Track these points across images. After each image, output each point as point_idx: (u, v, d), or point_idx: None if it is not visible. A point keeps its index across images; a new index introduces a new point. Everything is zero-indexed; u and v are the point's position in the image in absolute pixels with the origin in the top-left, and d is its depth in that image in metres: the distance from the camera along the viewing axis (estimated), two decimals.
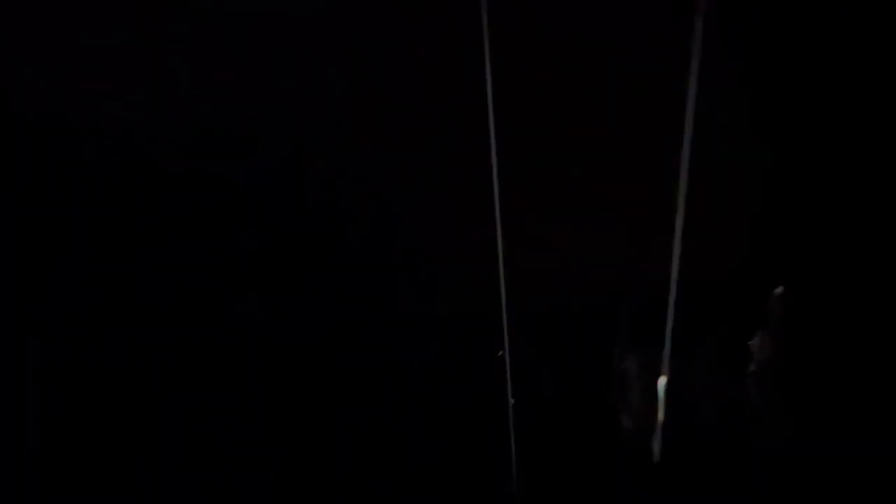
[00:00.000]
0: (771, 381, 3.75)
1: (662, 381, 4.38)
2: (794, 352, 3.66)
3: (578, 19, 4.31)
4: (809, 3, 3.92)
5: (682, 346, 4.50)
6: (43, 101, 4.30)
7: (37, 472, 4.13)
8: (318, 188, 4.98)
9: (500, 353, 5.49)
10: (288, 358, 4.91)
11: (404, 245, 5.19)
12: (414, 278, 5.28)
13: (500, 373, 5.28)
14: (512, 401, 5.01)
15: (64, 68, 4.15)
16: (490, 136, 4.11)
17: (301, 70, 4.39)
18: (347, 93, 4.58)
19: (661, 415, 4.31)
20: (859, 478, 3.43)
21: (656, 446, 4.29)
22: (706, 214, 4.93)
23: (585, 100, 4.79)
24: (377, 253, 5.22)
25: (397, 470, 4.71)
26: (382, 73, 4.52)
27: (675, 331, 4.57)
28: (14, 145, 4.15)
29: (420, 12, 4.22)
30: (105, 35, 4.07)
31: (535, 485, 4.49)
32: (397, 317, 5.33)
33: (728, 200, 4.90)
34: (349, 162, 4.93)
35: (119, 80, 4.22)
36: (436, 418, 5.01)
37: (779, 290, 3.83)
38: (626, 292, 4.84)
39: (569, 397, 5.02)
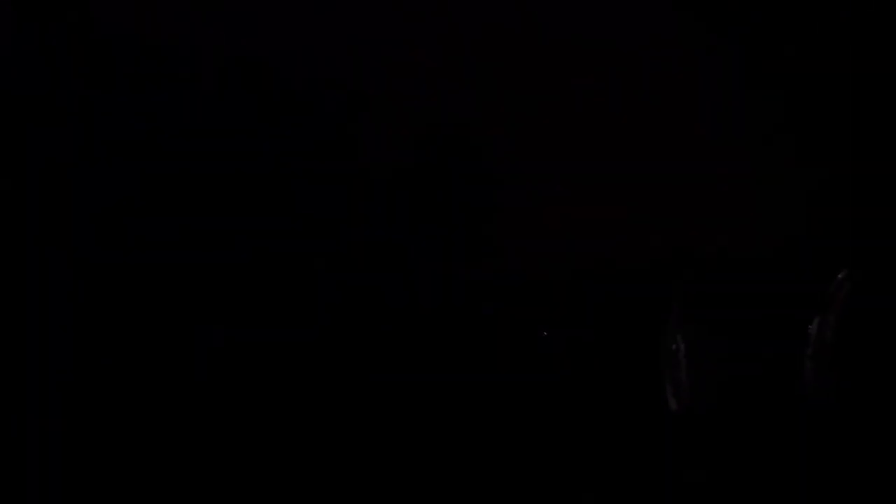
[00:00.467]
0: (828, 366, 3.63)
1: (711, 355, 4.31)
2: (854, 339, 3.53)
3: None
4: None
5: (730, 323, 4.40)
6: None
7: None
8: None
9: (545, 333, 5.44)
10: None
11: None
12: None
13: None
14: (545, 333, 5.04)
15: None
16: None
17: None
18: None
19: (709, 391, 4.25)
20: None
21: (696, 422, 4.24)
22: (758, 194, 4.84)
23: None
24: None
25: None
26: None
27: (723, 307, 4.46)
28: None
29: None
30: None
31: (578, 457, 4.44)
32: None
33: (782, 183, 4.80)
34: None
35: None
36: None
37: (842, 274, 3.70)
38: (677, 270, 4.73)
39: (617, 376, 4.96)
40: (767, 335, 4.13)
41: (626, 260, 5.22)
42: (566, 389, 4.96)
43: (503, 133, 5.14)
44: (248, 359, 4.54)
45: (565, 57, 5.00)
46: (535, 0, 4.80)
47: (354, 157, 4.90)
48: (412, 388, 4.69)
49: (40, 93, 4.29)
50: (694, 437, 4.36)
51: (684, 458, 4.19)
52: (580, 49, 4.89)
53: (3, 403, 4.11)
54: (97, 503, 3.97)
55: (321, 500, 4.14)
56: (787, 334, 3.97)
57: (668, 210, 5.34)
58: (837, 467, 3.62)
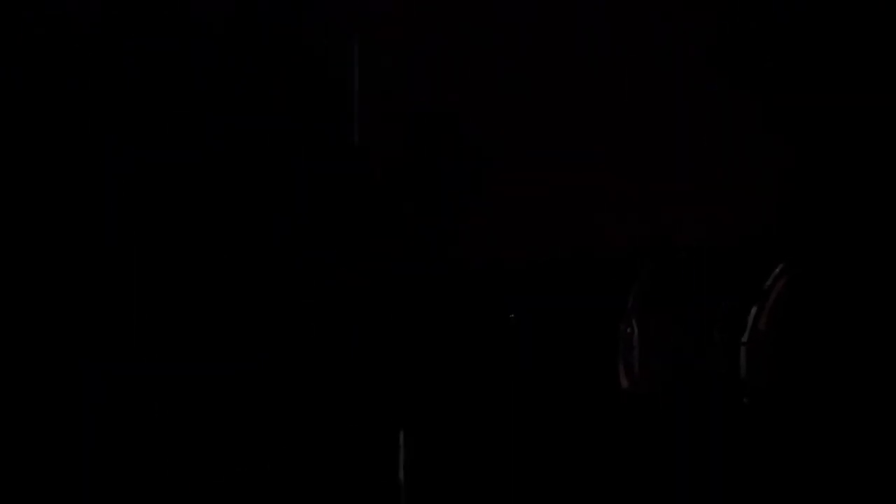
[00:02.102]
0: (760, 353, 3.92)
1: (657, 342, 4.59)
2: (786, 329, 3.81)
3: None
4: None
5: (681, 311, 4.68)
6: None
7: None
8: None
9: (512, 316, 5.72)
10: None
11: None
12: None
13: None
14: (512, 316, 5.29)
15: None
16: None
17: None
18: None
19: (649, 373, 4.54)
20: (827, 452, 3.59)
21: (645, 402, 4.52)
22: (722, 186, 5.08)
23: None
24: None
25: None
26: None
27: (676, 296, 4.74)
28: None
29: None
30: None
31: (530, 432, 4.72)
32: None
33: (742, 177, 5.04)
34: None
35: None
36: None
37: (779, 267, 3.98)
38: (638, 257, 5.02)
39: (571, 357, 5.24)
40: (714, 323, 4.43)
41: (595, 249, 5.50)
42: (531, 369, 5.26)
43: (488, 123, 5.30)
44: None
45: (543, 49, 5.12)
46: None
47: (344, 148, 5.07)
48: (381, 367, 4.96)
49: None
50: (640, 413, 4.67)
51: (631, 433, 4.50)
52: (557, 44, 5.03)
53: None
54: None
55: None
56: (732, 323, 4.26)
57: (640, 202, 5.59)
58: (767, 448, 3.91)
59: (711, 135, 5.22)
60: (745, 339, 4.01)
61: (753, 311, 4.01)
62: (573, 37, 5.03)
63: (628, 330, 4.91)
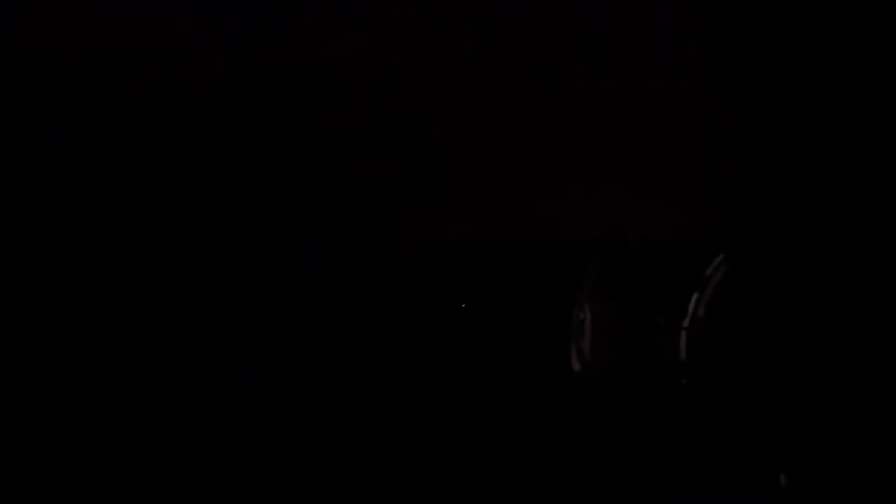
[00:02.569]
0: (699, 338, 4.20)
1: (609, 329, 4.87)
2: (722, 315, 4.09)
3: None
4: None
5: (630, 299, 4.96)
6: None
7: None
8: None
9: (464, 305, 5.97)
10: None
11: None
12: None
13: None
14: (463, 305, 5.52)
15: None
16: None
17: None
18: None
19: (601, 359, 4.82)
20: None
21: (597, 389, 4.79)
22: (668, 181, 5.34)
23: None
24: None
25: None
26: None
27: (626, 286, 5.03)
28: None
29: None
30: None
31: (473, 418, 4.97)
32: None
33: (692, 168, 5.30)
34: None
35: None
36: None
37: (719, 258, 4.27)
38: (589, 248, 5.29)
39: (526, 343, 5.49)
40: (659, 310, 4.70)
41: (551, 241, 5.75)
42: (488, 351, 5.50)
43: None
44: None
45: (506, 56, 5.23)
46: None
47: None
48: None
49: None
50: (590, 395, 4.94)
51: (581, 415, 4.76)
52: (519, 50, 5.15)
53: None
54: None
55: None
56: (676, 310, 4.54)
57: (597, 198, 5.84)
58: (705, 429, 4.18)
59: (668, 138, 5.46)
60: (686, 324, 4.29)
61: (694, 298, 4.29)
62: (534, 43, 5.12)
63: (581, 315, 5.18)
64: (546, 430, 4.63)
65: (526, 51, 5.07)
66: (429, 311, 5.67)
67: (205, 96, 4.81)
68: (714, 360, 4.04)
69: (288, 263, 5.40)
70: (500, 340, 5.39)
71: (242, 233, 5.27)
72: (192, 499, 3.43)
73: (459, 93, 5.36)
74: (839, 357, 2.95)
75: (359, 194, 5.53)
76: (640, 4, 4.79)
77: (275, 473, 3.71)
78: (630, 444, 4.36)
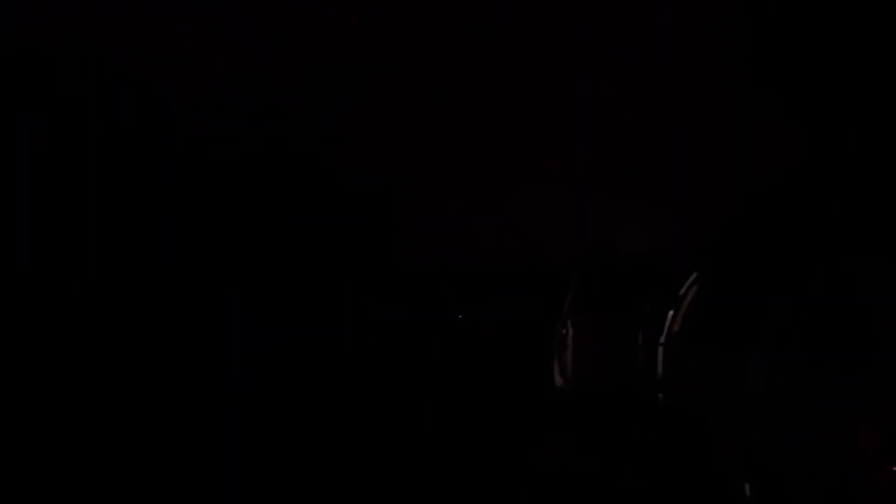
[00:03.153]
0: (674, 352, 4.30)
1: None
2: (694, 330, 4.19)
3: None
4: None
5: (611, 315, 5.06)
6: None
7: None
8: None
9: (460, 316, 6.10)
10: None
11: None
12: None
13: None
14: (459, 317, 5.65)
15: None
16: None
17: None
18: None
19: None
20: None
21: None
22: (649, 203, 5.46)
23: None
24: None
25: None
26: None
27: (607, 301, 5.12)
28: None
29: None
30: None
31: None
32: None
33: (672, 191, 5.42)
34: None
35: None
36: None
37: (693, 276, 4.37)
38: (572, 267, 5.41)
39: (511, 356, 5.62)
40: (640, 327, 4.81)
41: (533, 258, 5.88)
42: (474, 366, 5.61)
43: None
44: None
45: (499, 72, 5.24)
46: None
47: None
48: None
49: None
50: (571, 408, 5.05)
51: (561, 425, 4.87)
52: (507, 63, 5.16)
53: None
54: None
55: None
56: (654, 325, 4.64)
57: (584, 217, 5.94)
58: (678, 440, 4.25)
59: (655, 156, 5.56)
60: (662, 339, 4.38)
61: (670, 314, 4.39)
62: (521, 56, 5.11)
63: (563, 331, 5.30)
64: (529, 443, 4.70)
65: (523, 56, 5.01)
66: (421, 328, 5.76)
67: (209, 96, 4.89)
68: (688, 376, 4.14)
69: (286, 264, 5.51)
70: (485, 355, 5.52)
71: (245, 234, 5.38)
72: (191, 499, 3.52)
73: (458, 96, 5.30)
74: (809, 366, 3.02)
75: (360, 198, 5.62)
76: (640, 14, 4.74)
77: (274, 474, 3.81)
78: (609, 455, 4.43)
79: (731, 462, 3.44)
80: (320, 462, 4.14)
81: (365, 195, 5.33)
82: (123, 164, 4.98)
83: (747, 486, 3.23)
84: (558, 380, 5.31)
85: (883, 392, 2.35)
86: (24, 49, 4.30)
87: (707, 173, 5.37)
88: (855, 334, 2.63)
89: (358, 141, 5.32)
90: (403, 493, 3.58)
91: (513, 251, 6.12)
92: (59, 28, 4.35)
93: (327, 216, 5.31)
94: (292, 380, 5.43)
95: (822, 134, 4.70)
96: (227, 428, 4.80)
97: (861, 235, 3.46)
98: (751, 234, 4.29)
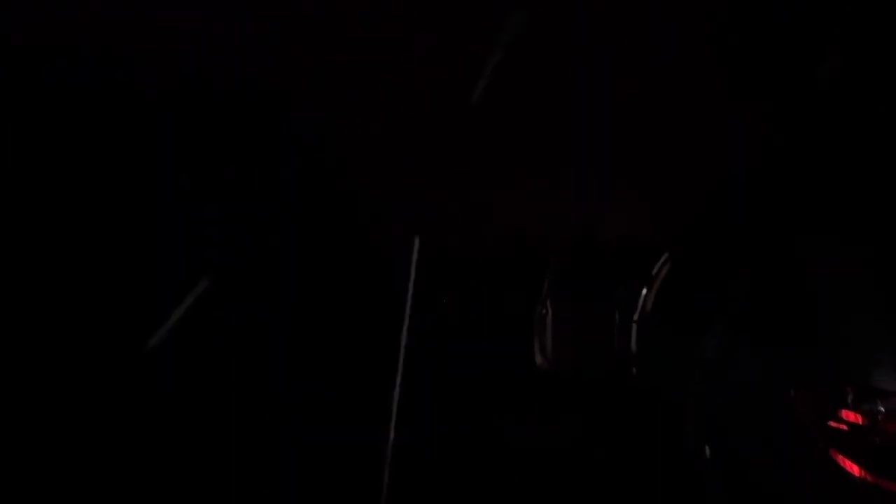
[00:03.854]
0: (646, 328, 4.49)
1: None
2: (665, 307, 4.37)
3: None
4: None
5: (587, 295, 5.25)
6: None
7: None
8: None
9: (445, 301, 6.28)
10: None
11: None
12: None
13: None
14: (444, 301, 5.83)
15: None
16: None
17: None
18: None
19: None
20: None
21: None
22: (627, 190, 5.62)
23: None
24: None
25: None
26: None
27: (584, 282, 5.31)
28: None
29: None
30: None
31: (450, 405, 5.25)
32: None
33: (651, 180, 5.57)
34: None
35: None
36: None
37: (664, 256, 4.56)
38: (550, 248, 5.60)
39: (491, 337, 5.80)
40: (615, 305, 5.00)
41: (517, 241, 6.05)
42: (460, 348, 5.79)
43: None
44: None
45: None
46: None
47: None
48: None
49: None
50: (552, 386, 5.23)
51: (545, 404, 5.05)
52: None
53: None
54: None
55: None
56: (629, 304, 4.82)
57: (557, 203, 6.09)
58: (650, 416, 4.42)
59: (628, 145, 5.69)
60: (636, 317, 4.57)
61: (643, 293, 4.58)
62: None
63: (543, 312, 5.48)
64: (510, 423, 4.85)
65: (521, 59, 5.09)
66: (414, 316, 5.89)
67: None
68: (657, 351, 4.32)
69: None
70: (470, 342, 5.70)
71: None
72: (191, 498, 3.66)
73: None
74: (774, 343, 3.21)
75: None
76: (635, 16, 4.82)
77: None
78: (588, 434, 4.60)
79: (693, 430, 3.63)
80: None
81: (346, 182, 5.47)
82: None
83: (707, 449, 3.43)
84: (538, 359, 5.50)
85: (819, 362, 2.56)
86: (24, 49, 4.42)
87: (683, 158, 5.53)
88: (799, 312, 2.83)
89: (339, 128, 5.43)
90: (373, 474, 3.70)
91: (493, 237, 6.28)
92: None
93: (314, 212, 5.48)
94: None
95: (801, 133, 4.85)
96: None
97: (818, 213, 3.64)
98: (717, 214, 4.47)
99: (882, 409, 2.33)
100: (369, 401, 4.55)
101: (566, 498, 3.71)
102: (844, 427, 2.38)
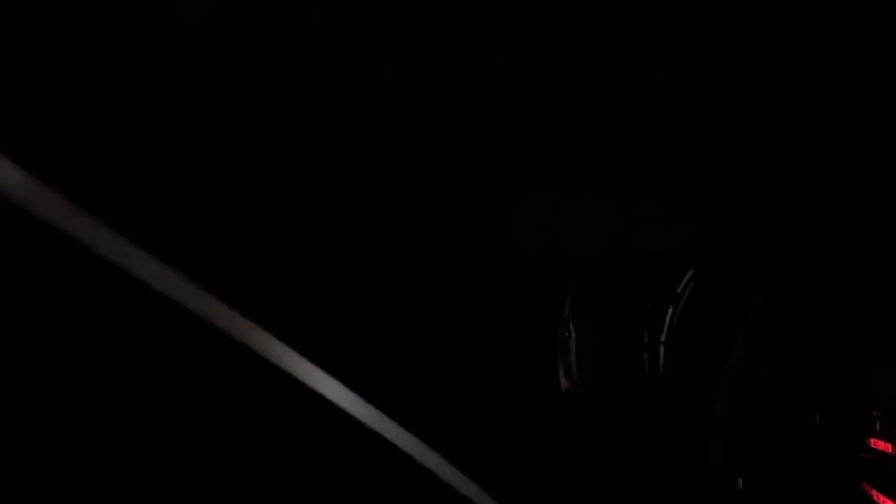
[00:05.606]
0: (673, 348, 4.30)
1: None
2: (692, 327, 4.19)
3: None
4: None
5: (611, 315, 5.07)
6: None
7: None
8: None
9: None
10: None
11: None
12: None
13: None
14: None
15: None
16: None
17: None
18: None
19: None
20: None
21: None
22: (649, 208, 5.46)
23: None
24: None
25: None
26: None
27: (607, 301, 5.13)
28: None
29: None
30: None
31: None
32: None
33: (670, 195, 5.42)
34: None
35: None
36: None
37: (689, 272, 4.37)
38: (571, 267, 5.43)
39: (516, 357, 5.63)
40: (640, 326, 4.81)
41: (536, 263, 5.91)
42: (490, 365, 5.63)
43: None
44: None
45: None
46: None
47: None
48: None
49: None
50: (578, 410, 5.05)
51: (569, 428, 4.88)
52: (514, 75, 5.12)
53: None
54: None
55: None
56: (656, 324, 4.64)
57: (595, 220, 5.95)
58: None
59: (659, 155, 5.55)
60: (663, 337, 4.38)
61: (670, 312, 4.39)
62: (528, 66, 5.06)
63: (566, 334, 5.31)
64: (539, 446, 4.70)
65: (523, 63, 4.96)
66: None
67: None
68: (683, 373, 4.14)
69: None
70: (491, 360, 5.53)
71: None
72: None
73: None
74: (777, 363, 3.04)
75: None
76: (641, 19, 4.70)
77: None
78: (617, 455, 4.43)
79: (720, 456, 3.46)
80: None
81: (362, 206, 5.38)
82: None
83: (740, 481, 3.25)
84: (563, 383, 5.32)
85: (845, 384, 2.37)
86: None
87: (708, 175, 5.36)
88: (819, 330, 2.66)
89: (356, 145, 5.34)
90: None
91: (515, 257, 6.14)
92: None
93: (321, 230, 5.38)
94: None
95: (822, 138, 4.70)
96: None
97: (837, 230, 3.48)
98: (741, 232, 4.30)
99: None
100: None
101: None
102: (875, 457, 2.19)
